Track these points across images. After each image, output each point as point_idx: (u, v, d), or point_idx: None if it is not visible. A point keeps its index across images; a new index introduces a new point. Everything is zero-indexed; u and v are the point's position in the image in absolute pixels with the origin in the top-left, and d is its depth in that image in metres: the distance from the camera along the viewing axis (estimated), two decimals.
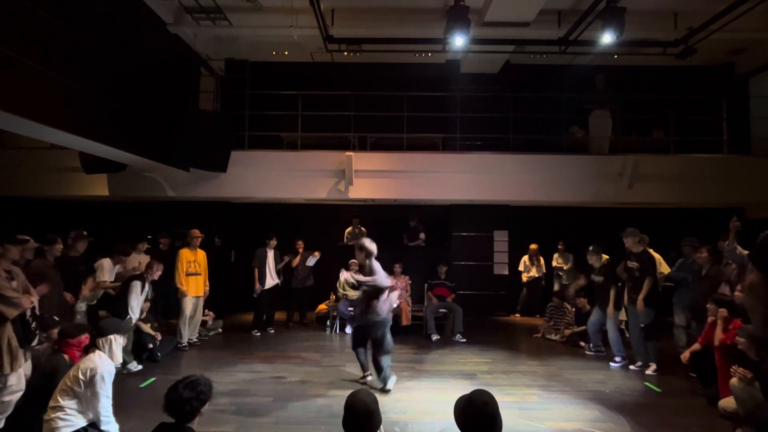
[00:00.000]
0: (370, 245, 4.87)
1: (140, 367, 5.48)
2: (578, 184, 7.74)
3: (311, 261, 7.88)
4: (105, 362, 3.08)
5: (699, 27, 6.99)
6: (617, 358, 5.97)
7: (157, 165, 6.65)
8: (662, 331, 6.00)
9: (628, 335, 6.67)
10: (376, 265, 4.86)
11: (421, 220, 9.10)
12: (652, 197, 7.77)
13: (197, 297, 6.62)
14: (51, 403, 2.98)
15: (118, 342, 3.22)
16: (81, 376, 2.96)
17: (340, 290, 7.67)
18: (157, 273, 5.69)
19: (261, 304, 7.44)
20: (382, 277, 4.84)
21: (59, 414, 2.93)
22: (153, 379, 5.14)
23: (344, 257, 8.00)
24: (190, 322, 6.62)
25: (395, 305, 5.29)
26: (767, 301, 0.89)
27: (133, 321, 5.42)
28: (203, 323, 7.20)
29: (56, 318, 4.46)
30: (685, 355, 4.87)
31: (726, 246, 5.12)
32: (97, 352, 3.12)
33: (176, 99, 6.90)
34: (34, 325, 3.79)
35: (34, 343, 3.84)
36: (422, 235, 8.88)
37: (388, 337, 4.94)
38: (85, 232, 5.66)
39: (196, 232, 6.78)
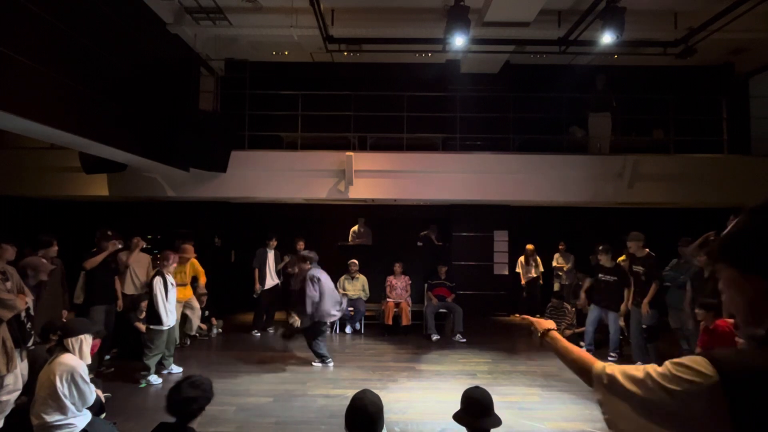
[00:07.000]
0: (310, 254, 5.96)
1: (160, 380, 5.15)
2: (578, 184, 7.72)
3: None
4: (79, 361, 2.92)
5: (699, 27, 6.98)
6: (613, 354, 6.08)
7: (157, 165, 6.64)
8: (663, 333, 5.99)
9: (627, 334, 6.67)
10: (314, 272, 5.75)
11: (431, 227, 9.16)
12: (652, 197, 7.76)
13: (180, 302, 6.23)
14: (35, 422, 2.80)
15: (88, 342, 3.03)
16: (59, 384, 2.79)
17: (340, 290, 7.66)
18: (173, 264, 5.40)
19: (261, 305, 7.44)
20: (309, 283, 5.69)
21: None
22: (152, 378, 5.13)
23: (343, 257, 8.02)
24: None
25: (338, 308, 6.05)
26: (750, 296, 0.86)
27: (168, 325, 5.16)
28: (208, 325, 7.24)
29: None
30: None
31: None
32: (67, 354, 2.91)
33: (176, 99, 6.89)
34: (29, 325, 3.79)
35: (29, 343, 3.84)
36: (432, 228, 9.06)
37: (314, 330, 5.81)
38: (109, 231, 5.46)
39: (190, 248, 6.43)
